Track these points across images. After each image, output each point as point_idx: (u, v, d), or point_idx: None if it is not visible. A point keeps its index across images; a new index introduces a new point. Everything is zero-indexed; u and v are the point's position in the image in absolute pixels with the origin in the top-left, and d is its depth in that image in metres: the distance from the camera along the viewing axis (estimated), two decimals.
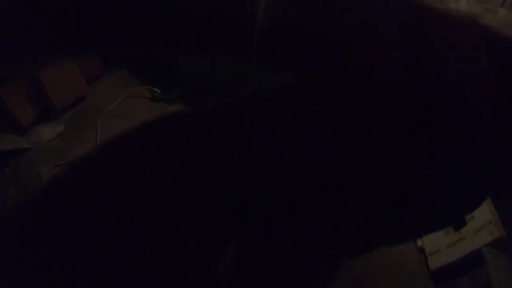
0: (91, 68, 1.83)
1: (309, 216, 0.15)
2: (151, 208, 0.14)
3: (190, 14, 0.12)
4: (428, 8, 0.14)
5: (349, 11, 0.13)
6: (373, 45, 0.13)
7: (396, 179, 0.15)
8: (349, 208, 0.15)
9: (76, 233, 0.13)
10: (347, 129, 0.14)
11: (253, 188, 0.15)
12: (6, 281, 0.12)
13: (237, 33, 0.13)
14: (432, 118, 0.14)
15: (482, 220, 1.23)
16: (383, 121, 0.14)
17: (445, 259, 1.29)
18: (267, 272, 0.16)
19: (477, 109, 0.14)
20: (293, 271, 0.16)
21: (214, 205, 0.14)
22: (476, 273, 1.11)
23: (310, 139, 0.15)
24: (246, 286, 0.16)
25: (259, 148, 0.14)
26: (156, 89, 1.89)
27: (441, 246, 1.33)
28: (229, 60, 0.17)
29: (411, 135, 0.14)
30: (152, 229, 0.13)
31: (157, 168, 0.14)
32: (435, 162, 0.14)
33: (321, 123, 0.15)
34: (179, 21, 0.12)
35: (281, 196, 0.15)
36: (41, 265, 0.13)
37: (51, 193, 0.15)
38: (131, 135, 0.16)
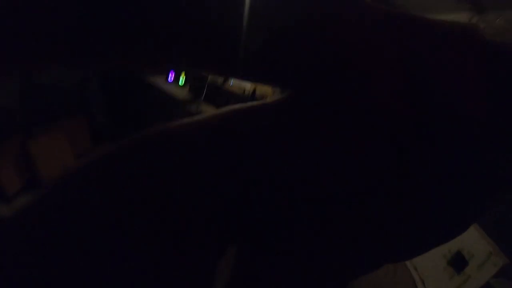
0: (80, 142, 1.83)
1: (309, 221, 0.15)
2: (148, 212, 0.14)
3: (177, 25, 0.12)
4: (419, 16, 0.15)
5: (348, 10, 0.14)
6: (372, 45, 0.14)
7: (396, 181, 0.15)
8: (349, 212, 0.15)
9: (72, 237, 0.13)
10: (347, 129, 0.15)
11: (253, 189, 0.15)
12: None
13: (227, 40, 0.13)
14: (429, 122, 0.15)
15: (482, 255, 1.27)
16: (383, 121, 0.14)
17: None
18: (266, 282, 0.15)
19: (471, 116, 0.15)
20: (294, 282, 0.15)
21: (213, 206, 0.14)
22: None
23: (310, 142, 0.15)
24: None
25: (259, 154, 0.15)
26: None
27: None
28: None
29: (411, 137, 0.14)
30: (148, 231, 0.13)
31: (153, 175, 0.14)
32: (435, 166, 0.15)
33: (321, 125, 0.15)
34: (164, 30, 0.12)
35: (281, 200, 0.15)
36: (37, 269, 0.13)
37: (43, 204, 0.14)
38: (129, 145, 0.15)
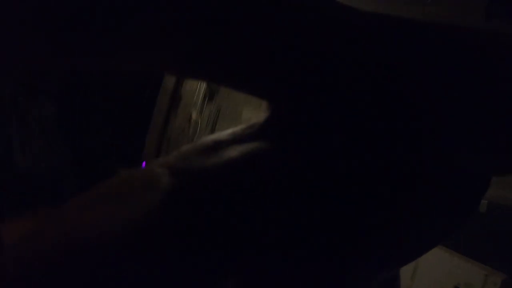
0: None
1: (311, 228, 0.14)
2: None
3: None
4: (406, 19, 0.15)
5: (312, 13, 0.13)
6: (345, 53, 0.13)
7: (400, 181, 0.14)
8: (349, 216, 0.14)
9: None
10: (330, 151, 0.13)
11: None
12: None
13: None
14: (423, 131, 0.13)
15: (479, 280, 1.29)
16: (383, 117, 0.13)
17: None
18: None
19: (470, 121, 0.14)
20: None
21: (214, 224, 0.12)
22: None
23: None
24: None
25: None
26: None
27: None
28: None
29: (405, 152, 0.13)
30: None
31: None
32: (434, 169, 0.14)
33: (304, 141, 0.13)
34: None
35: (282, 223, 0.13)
36: None
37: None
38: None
